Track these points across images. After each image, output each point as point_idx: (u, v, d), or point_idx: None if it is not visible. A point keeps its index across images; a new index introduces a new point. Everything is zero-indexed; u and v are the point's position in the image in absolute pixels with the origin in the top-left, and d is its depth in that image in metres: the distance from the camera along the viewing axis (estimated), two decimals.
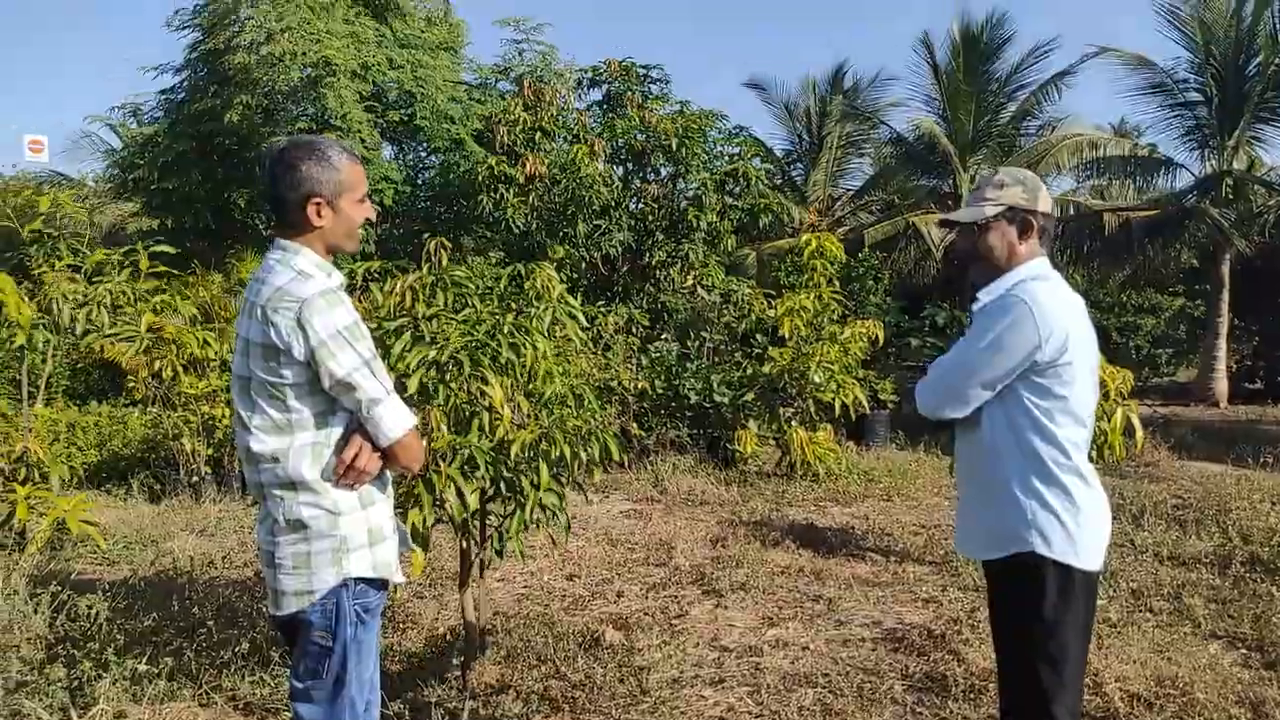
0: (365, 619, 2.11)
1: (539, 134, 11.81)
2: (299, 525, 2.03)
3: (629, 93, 12.25)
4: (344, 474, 2.02)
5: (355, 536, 2.06)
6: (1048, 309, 2.18)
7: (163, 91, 14.06)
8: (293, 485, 2.02)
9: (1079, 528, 2.17)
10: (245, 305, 2.07)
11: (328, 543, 2.03)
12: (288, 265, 2.04)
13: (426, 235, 5.54)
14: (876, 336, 8.94)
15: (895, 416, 10.77)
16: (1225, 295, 15.78)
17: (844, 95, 19.16)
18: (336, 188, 2.06)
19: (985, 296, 2.33)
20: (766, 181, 12.29)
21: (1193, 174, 16.74)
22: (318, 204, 2.05)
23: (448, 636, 4.17)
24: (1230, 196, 15.77)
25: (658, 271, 11.68)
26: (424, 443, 2.60)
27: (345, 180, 2.08)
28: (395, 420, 2.03)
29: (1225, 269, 15.70)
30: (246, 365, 2.03)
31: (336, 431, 2.05)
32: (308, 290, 1.96)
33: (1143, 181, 17.60)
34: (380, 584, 2.15)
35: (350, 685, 2.09)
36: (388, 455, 2.07)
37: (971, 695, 3.52)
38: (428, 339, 3.26)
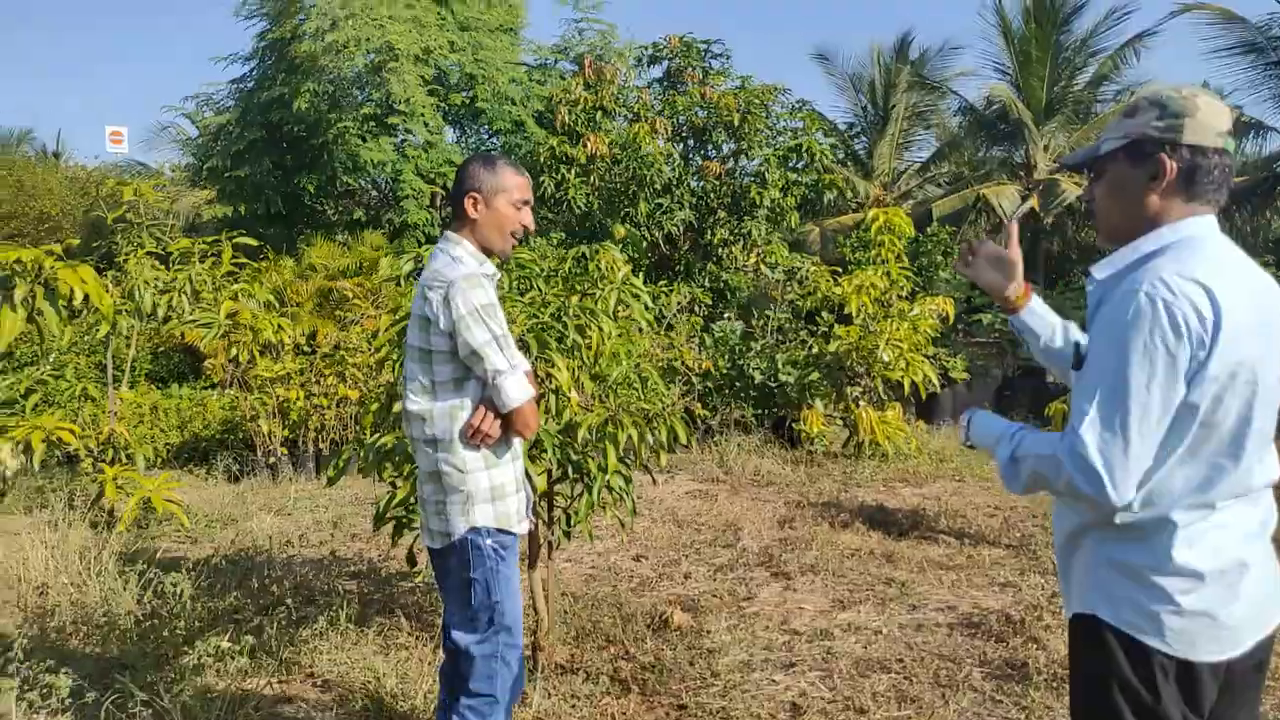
0: (503, 554, 2.39)
1: (599, 113, 11.75)
2: (436, 477, 2.38)
3: (689, 69, 12.10)
4: (471, 435, 2.34)
5: (479, 492, 2.36)
6: (1187, 294, 1.45)
7: (233, 81, 14.41)
8: (434, 442, 2.36)
9: (1172, 600, 1.51)
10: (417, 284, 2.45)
11: (457, 495, 2.36)
12: (446, 252, 2.41)
13: None
14: (947, 313, 8.71)
15: (966, 394, 10.50)
16: None
17: (910, 65, 18.65)
18: (494, 187, 2.42)
19: (1099, 273, 1.61)
20: (831, 156, 12.04)
21: None
22: (474, 198, 2.41)
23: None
24: None
25: (720, 250, 11.55)
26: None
27: (502, 182, 2.42)
28: (515, 390, 2.32)
29: None
30: (412, 335, 2.38)
31: (470, 399, 2.36)
32: (456, 273, 2.30)
33: None
34: (509, 532, 2.43)
35: (505, 615, 2.37)
36: (507, 421, 2.36)
37: (1055, 684, 3.41)
38: None
